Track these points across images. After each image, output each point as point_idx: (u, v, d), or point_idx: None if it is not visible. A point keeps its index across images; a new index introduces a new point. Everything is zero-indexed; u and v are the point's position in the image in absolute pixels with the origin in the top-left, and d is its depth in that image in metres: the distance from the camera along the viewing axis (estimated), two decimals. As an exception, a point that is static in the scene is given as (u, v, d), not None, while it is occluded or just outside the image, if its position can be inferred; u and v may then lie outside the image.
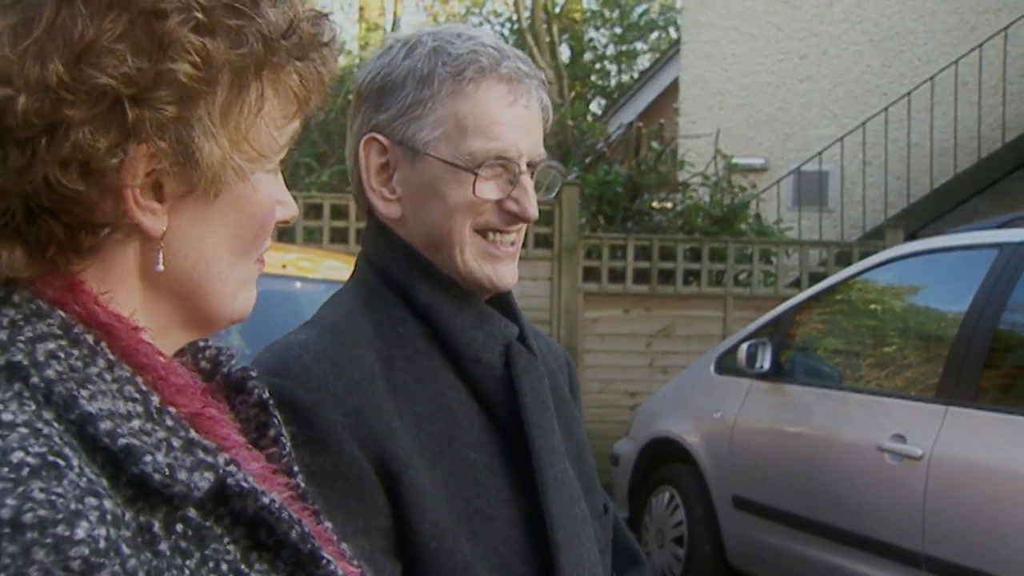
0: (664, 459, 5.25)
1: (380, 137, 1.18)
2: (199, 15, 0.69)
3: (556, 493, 1.15)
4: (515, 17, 20.79)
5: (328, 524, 0.86)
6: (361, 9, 19.57)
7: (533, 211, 1.19)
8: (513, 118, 1.17)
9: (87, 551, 0.60)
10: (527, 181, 1.19)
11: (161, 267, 0.73)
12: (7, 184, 0.67)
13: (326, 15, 0.78)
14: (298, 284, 4.04)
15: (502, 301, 1.24)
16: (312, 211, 6.84)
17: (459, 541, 1.09)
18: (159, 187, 0.71)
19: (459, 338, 1.17)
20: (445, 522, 1.09)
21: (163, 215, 0.72)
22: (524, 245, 6.04)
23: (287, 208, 0.81)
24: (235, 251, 0.77)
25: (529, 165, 1.20)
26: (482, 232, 1.19)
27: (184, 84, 0.68)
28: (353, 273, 1.25)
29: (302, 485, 0.86)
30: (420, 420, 1.13)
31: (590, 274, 7.48)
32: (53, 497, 0.60)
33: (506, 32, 21.83)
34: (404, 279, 1.19)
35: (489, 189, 1.17)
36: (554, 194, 1.28)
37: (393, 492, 1.08)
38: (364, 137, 1.19)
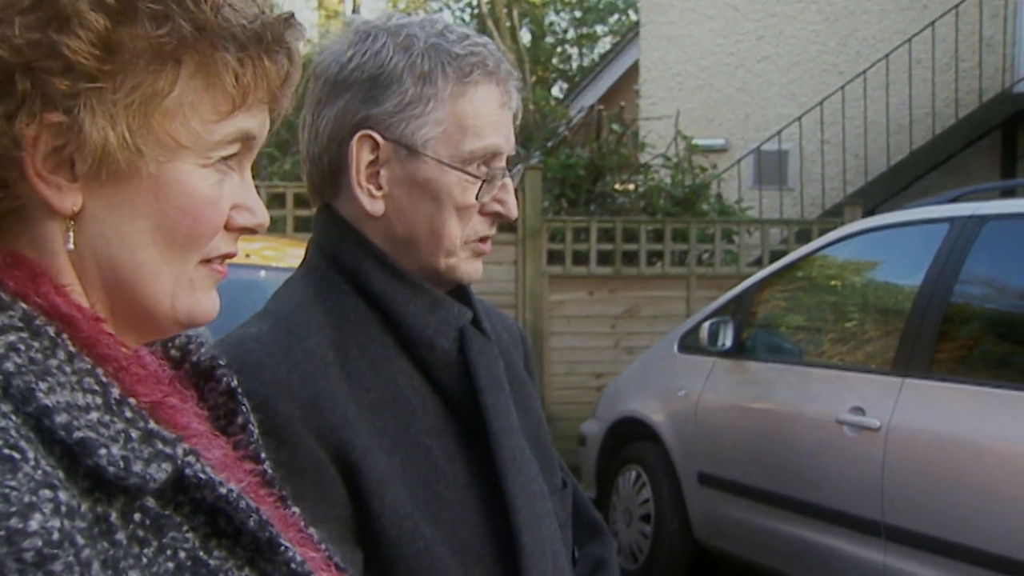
0: (630, 438, 5.30)
1: (374, 134, 1.16)
2: None
3: (515, 474, 1.16)
4: (475, 1, 20.72)
5: (296, 509, 0.87)
6: (319, -4, 19.41)
7: (515, 210, 1.22)
8: (502, 118, 1.19)
9: (40, 543, 0.60)
10: (509, 181, 1.21)
11: (71, 246, 0.72)
12: None
13: (287, 17, 0.77)
14: (263, 273, 4.04)
15: (456, 285, 1.25)
16: (275, 200, 6.82)
17: (419, 526, 1.10)
18: (72, 165, 0.71)
19: (412, 325, 1.17)
20: (405, 508, 1.10)
21: (75, 193, 0.71)
22: (487, 229, 5.80)
23: (251, 215, 0.79)
24: (164, 243, 0.75)
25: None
26: (473, 240, 1.20)
27: (78, 60, 0.68)
28: (303, 262, 1.24)
29: (269, 471, 0.86)
30: (375, 408, 1.13)
31: (554, 257, 7.52)
32: (7, 490, 0.61)
33: (466, 17, 21.75)
34: (356, 267, 1.18)
35: (481, 191, 1.19)
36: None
37: (352, 481, 1.08)
38: (358, 133, 1.16)
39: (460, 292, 1.25)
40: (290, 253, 4.42)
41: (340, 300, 1.18)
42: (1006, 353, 3.80)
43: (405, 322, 1.17)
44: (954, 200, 4.22)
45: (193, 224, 0.75)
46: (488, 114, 1.17)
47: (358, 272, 1.18)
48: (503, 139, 1.19)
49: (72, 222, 0.72)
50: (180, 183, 0.74)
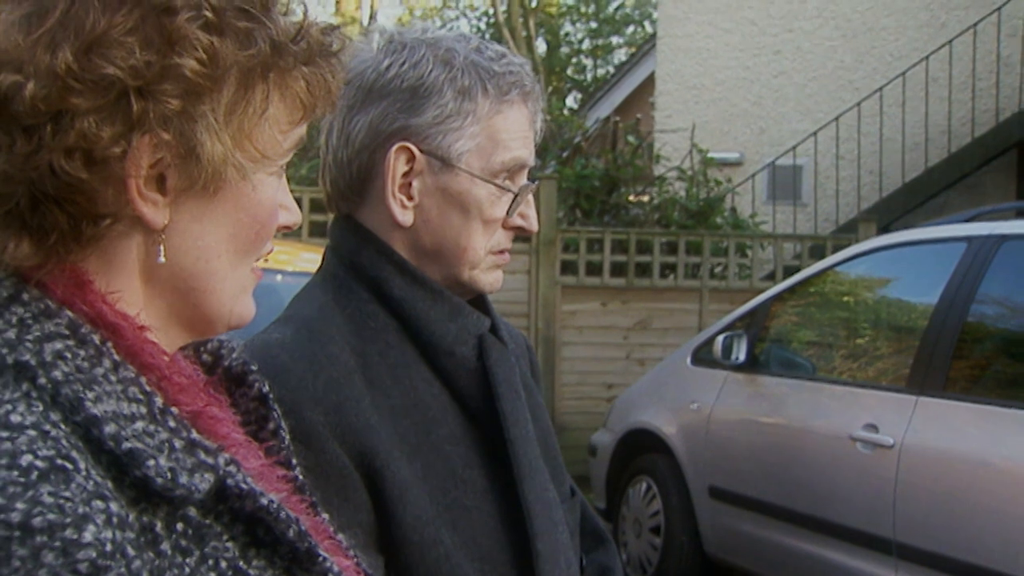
0: (641, 450, 5.30)
1: (411, 145, 1.17)
2: (208, 14, 0.71)
3: (531, 482, 1.17)
4: (491, 11, 20.77)
5: (325, 516, 0.88)
6: (337, 3, 19.51)
7: (536, 224, 1.24)
8: (530, 135, 1.22)
9: (94, 554, 0.61)
10: (531, 196, 1.23)
11: (163, 259, 0.74)
12: (13, 171, 0.68)
13: (337, 27, 0.80)
14: (279, 277, 4.06)
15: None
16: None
17: (440, 533, 1.11)
18: (162, 180, 0.72)
19: (433, 331, 1.18)
20: (426, 515, 1.11)
21: (165, 208, 0.73)
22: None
23: (291, 214, 0.82)
24: (235, 250, 0.77)
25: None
26: (494, 252, 1.22)
27: (189, 79, 0.70)
28: (320, 268, 1.25)
29: (300, 477, 0.87)
30: (396, 414, 1.14)
31: (567, 267, 7.53)
32: (61, 501, 0.61)
33: (482, 26, 21.82)
34: (376, 273, 1.19)
35: (513, 205, 1.21)
36: None
37: (375, 487, 1.09)
38: (396, 144, 1.17)
39: (478, 300, 1.26)
40: (303, 257, 4.44)
41: (360, 307, 1.18)
42: (1022, 374, 3.79)
43: (426, 328, 1.18)
44: (972, 219, 4.22)
45: (261, 230, 0.79)
46: (519, 130, 1.20)
47: (378, 279, 1.19)
48: (529, 153, 1.22)
49: (163, 236, 0.74)
50: (256, 192, 0.77)
